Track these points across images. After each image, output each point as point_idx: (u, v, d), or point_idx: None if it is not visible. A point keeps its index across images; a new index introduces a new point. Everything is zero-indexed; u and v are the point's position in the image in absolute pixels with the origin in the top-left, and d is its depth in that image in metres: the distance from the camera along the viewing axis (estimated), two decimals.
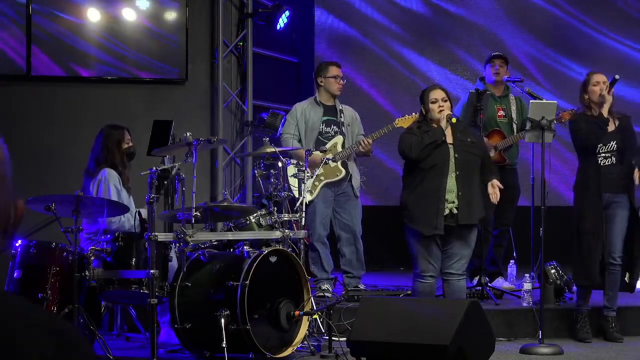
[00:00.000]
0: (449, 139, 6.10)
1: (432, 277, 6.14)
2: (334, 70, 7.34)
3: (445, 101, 6.14)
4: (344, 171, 7.24)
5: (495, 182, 6.15)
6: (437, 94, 6.15)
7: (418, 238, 6.07)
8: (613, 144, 6.45)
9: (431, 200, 6.02)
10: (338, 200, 7.31)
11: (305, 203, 6.55)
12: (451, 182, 6.05)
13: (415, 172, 6.11)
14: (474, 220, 6.12)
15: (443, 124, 6.06)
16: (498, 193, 6.16)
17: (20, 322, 1.49)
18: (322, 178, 7.19)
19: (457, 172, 6.05)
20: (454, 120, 6.06)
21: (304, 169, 6.53)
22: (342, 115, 7.36)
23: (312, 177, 6.73)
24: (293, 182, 6.83)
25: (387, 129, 7.21)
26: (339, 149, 7.25)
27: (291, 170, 6.86)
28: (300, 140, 7.26)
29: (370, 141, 7.18)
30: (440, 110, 6.09)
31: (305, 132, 7.28)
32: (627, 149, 6.48)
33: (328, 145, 7.20)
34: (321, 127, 7.29)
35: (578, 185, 6.58)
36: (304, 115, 7.29)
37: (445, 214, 6.02)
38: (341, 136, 7.30)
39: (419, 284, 6.15)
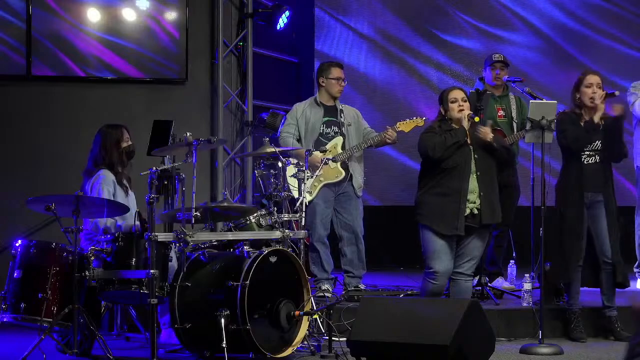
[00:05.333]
0: (469, 139, 6.13)
1: (444, 278, 6.14)
2: (336, 72, 7.33)
3: (465, 101, 6.18)
4: (343, 172, 7.24)
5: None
6: (457, 94, 6.20)
7: (434, 237, 6.08)
8: (598, 143, 6.48)
9: (452, 200, 6.04)
10: (339, 200, 7.31)
11: (305, 203, 6.55)
12: (473, 183, 6.08)
13: (435, 172, 6.13)
14: (497, 219, 6.22)
15: (465, 123, 6.09)
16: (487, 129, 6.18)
17: None
18: (321, 179, 7.19)
19: (478, 173, 6.09)
20: (476, 119, 6.10)
21: (303, 169, 6.54)
22: (342, 115, 7.35)
23: (312, 177, 6.72)
24: (292, 182, 6.83)
25: (389, 133, 7.18)
26: (339, 150, 7.25)
27: (291, 170, 6.86)
28: (299, 140, 7.25)
29: (394, 132, 7.15)
30: (460, 110, 6.13)
31: (305, 132, 7.27)
32: (614, 143, 6.50)
33: (328, 147, 7.20)
34: (322, 127, 7.29)
35: (561, 184, 6.58)
36: (304, 115, 7.28)
37: (465, 214, 6.03)
38: (341, 137, 7.29)
39: (430, 284, 6.14)
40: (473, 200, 6.09)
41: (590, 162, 6.47)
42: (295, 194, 6.78)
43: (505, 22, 10.25)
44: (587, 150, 6.46)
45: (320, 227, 7.22)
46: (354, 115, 7.42)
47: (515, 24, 10.27)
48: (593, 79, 6.50)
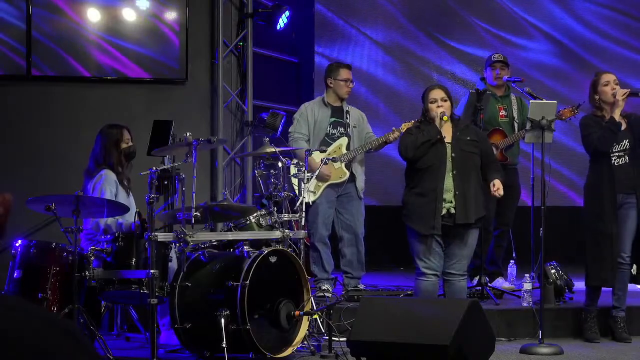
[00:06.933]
0: (448, 138, 6.10)
1: (435, 276, 6.12)
2: (344, 73, 7.33)
3: (445, 101, 6.13)
4: (347, 173, 7.24)
5: (497, 181, 6.11)
6: (437, 94, 6.15)
7: (418, 237, 6.08)
8: (625, 143, 6.42)
9: (428, 199, 6.02)
10: (341, 201, 7.31)
11: (309, 203, 6.55)
12: (448, 182, 6.04)
13: (414, 172, 6.12)
14: (471, 220, 6.08)
15: (437, 122, 6.07)
16: (501, 192, 6.13)
17: (19, 318, 1.49)
18: (325, 179, 7.19)
19: (454, 172, 6.04)
20: (445, 118, 6.05)
21: (303, 169, 6.55)
22: (348, 116, 7.35)
23: (311, 178, 6.72)
24: (295, 182, 6.84)
25: (395, 134, 7.16)
26: (344, 150, 7.25)
27: (293, 170, 6.87)
28: (308, 140, 7.26)
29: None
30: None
31: (312, 132, 7.27)
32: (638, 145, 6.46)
33: (332, 147, 7.20)
34: (328, 128, 7.29)
35: (591, 185, 6.52)
36: (313, 115, 7.29)
37: (442, 213, 6.02)
38: (346, 138, 7.29)
39: (422, 282, 6.12)
40: (449, 199, 6.05)
41: (620, 163, 6.41)
42: (299, 194, 6.79)
43: (512, 25, 10.27)
44: (616, 151, 6.40)
45: (322, 227, 7.22)
46: (359, 118, 7.43)
47: (525, 28, 10.28)
48: (609, 77, 6.46)
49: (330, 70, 7.39)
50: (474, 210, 6.08)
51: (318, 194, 7.17)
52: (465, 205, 6.04)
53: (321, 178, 7.11)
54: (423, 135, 6.04)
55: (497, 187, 6.10)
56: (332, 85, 7.33)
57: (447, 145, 6.09)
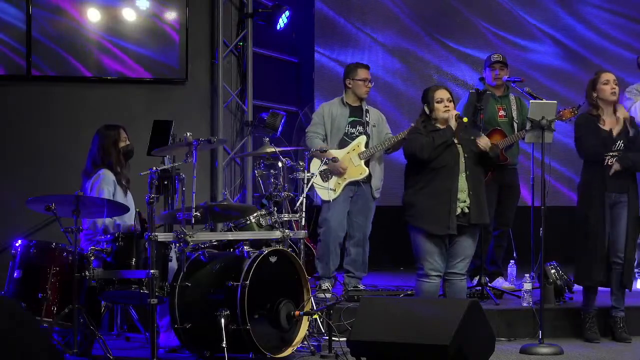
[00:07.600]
0: (456, 139, 6.10)
1: (438, 277, 6.11)
2: (363, 73, 7.35)
3: (450, 101, 6.14)
4: (367, 170, 7.24)
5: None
6: (443, 94, 6.15)
7: (426, 237, 6.05)
8: (620, 144, 6.42)
9: (443, 200, 6.00)
10: (355, 201, 7.30)
11: (328, 201, 6.78)
12: (462, 182, 6.04)
13: (424, 172, 6.08)
14: (485, 220, 6.16)
15: (452, 123, 6.05)
16: (486, 143, 6.16)
17: None
18: (345, 177, 7.20)
19: (467, 172, 6.06)
20: (465, 119, 6.06)
21: (302, 169, 6.57)
22: (367, 115, 7.36)
23: (312, 176, 6.74)
24: (317, 180, 6.91)
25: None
26: (363, 148, 7.25)
27: (314, 165, 6.92)
28: (324, 140, 7.27)
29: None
30: (446, 111, 6.09)
31: (330, 131, 7.28)
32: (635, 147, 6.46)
33: (351, 145, 7.21)
34: (347, 127, 7.30)
35: (583, 184, 6.54)
36: (330, 114, 7.30)
37: (457, 213, 6.01)
38: (365, 136, 7.29)
39: (425, 283, 6.11)
40: (463, 199, 6.05)
41: (613, 162, 6.42)
42: (319, 193, 6.87)
43: (513, 26, 10.27)
44: (610, 151, 6.41)
45: (337, 226, 7.21)
46: (378, 118, 7.44)
47: (526, 28, 10.28)
48: (609, 76, 6.47)
49: (349, 71, 7.41)
50: (486, 210, 6.13)
51: (338, 192, 7.18)
52: (479, 205, 6.06)
53: (337, 173, 7.11)
54: (439, 137, 6.02)
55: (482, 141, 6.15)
56: (350, 86, 7.35)
57: (459, 146, 6.09)
